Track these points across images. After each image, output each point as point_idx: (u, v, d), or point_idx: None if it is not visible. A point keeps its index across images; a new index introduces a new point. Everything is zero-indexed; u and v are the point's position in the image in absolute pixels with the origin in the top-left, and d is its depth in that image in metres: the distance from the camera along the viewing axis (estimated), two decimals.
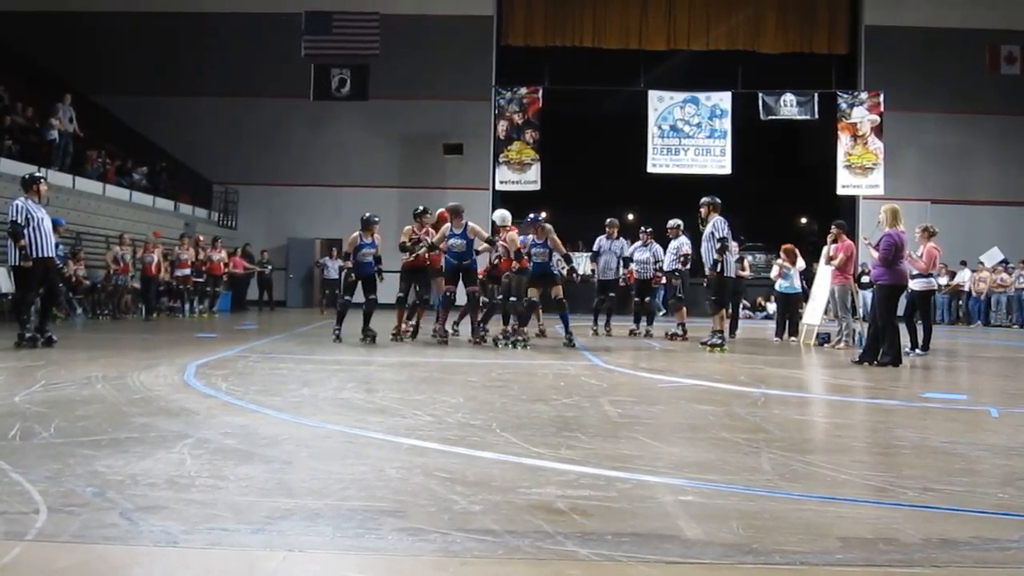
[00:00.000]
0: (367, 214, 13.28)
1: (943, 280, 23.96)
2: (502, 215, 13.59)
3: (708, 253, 12.39)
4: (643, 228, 15.95)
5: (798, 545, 3.03)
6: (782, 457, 4.62)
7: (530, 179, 28.18)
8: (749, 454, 4.71)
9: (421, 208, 13.67)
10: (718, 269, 12.27)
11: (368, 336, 12.63)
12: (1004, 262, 24.76)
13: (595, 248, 15.98)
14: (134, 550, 2.90)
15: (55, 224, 11.91)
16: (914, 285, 12.10)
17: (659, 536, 3.08)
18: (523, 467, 4.20)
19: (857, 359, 10.70)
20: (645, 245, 15.74)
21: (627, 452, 4.66)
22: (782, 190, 34.47)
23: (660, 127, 28.67)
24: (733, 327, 16.09)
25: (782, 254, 15.89)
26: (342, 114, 28.23)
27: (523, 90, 28.41)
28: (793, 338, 15.20)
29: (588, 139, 32.16)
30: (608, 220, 15.73)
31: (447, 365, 9.59)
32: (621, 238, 15.83)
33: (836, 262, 13.70)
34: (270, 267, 25.78)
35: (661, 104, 28.82)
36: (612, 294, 15.81)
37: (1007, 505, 3.73)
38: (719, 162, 28.45)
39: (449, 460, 4.36)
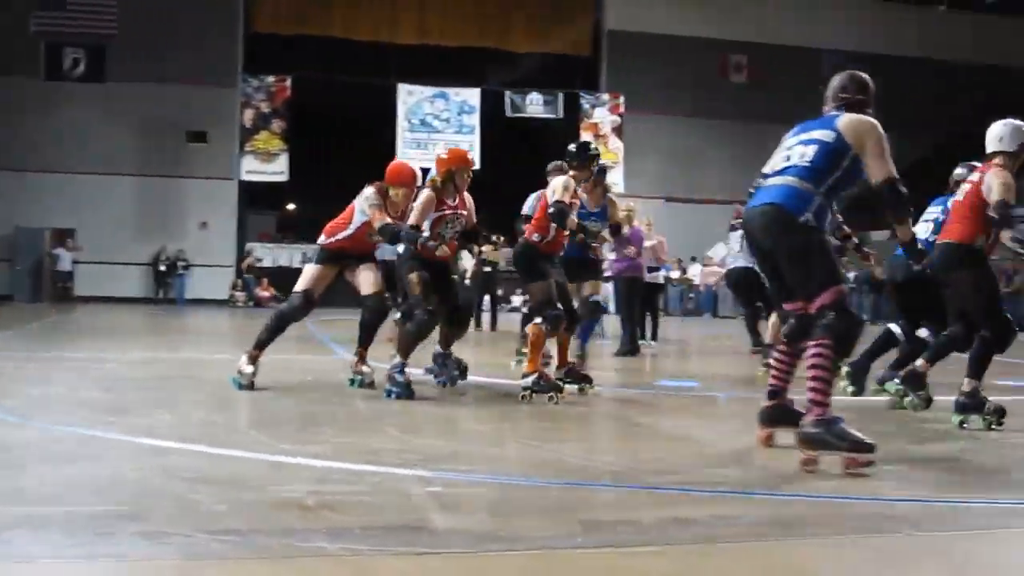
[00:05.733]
0: None
1: (675, 274, 25.38)
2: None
3: None
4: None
5: (542, 530, 3.12)
6: (527, 445, 4.75)
7: (277, 170, 27.60)
8: (497, 444, 4.81)
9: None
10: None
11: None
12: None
13: None
14: None
15: None
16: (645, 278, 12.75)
17: (408, 528, 3.10)
18: (270, 464, 4.12)
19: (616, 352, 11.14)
20: None
21: (377, 445, 4.66)
22: (527, 185, 35.26)
23: (410, 121, 28.78)
24: (493, 320, 16.52)
25: None
26: (77, 97, 26.52)
27: (271, 79, 27.74)
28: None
29: (338, 130, 31.83)
30: None
31: (190, 361, 9.26)
32: None
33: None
34: None
35: (411, 98, 28.92)
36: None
37: (735, 484, 3.98)
38: None
39: (192, 459, 4.21)
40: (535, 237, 6.79)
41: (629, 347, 11.02)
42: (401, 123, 28.60)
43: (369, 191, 6.93)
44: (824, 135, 4.58)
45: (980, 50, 32.09)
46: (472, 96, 29.18)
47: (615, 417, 6.25)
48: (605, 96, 30.27)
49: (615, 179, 29.47)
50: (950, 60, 31.83)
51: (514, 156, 33.22)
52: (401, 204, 7.00)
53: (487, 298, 16.98)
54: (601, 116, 30.00)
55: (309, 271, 7.09)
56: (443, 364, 7.22)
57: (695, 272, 26.97)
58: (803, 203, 4.40)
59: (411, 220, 6.55)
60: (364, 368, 7.08)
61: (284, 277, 27.74)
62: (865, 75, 4.84)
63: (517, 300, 30.40)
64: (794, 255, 4.38)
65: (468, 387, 7.26)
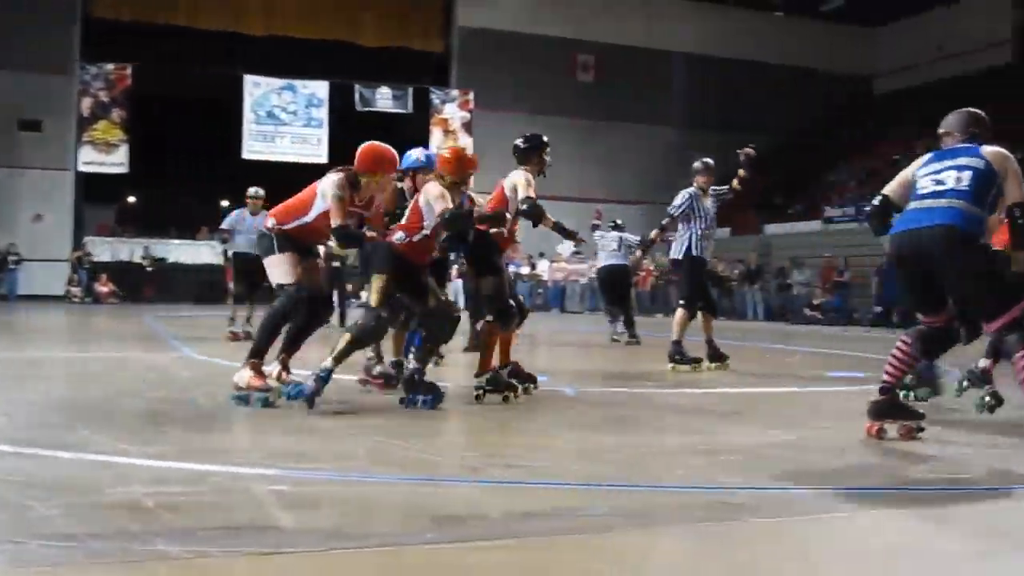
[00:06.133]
0: None
1: (525, 270, 25.67)
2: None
3: None
4: None
5: (392, 527, 3.11)
6: (376, 441, 4.71)
7: (117, 161, 26.64)
8: (344, 440, 4.76)
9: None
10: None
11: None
12: (577, 253, 26.89)
13: None
14: None
15: None
16: None
17: (253, 528, 3.04)
18: (108, 465, 3.97)
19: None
20: None
21: (220, 445, 4.55)
22: None
23: (257, 113, 28.22)
24: (341, 316, 16.27)
25: None
26: None
27: (111, 66, 26.75)
28: None
29: (182, 122, 30.99)
30: None
31: (21, 360, 8.86)
32: None
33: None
34: None
35: (258, 90, 28.36)
36: None
37: (580, 476, 4.05)
38: (315, 151, 28.49)
39: (23, 462, 4.02)
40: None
41: (478, 343, 11.05)
42: (247, 115, 28.02)
43: (336, 177, 6.02)
44: (974, 162, 5.00)
45: (815, 55, 33.55)
46: (321, 89, 28.82)
47: (464, 412, 6.26)
48: (455, 92, 30.34)
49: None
50: (786, 64, 33.16)
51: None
52: (374, 192, 6.24)
53: (335, 294, 16.71)
54: (451, 112, 30.05)
55: (281, 262, 6.06)
56: (399, 372, 6.92)
57: (543, 268, 27.31)
58: (978, 225, 4.87)
59: (437, 212, 6.04)
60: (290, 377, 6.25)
61: (124, 273, 26.86)
62: (980, 111, 5.50)
63: (366, 295, 30.19)
64: (976, 275, 4.82)
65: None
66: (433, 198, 6.09)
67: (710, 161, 9.59)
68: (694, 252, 9.18)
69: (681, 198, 9.32)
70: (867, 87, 36.13)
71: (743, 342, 14.40)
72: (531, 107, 30.67)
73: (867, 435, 5.04)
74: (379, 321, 6.19)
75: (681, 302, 9.42)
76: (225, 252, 12.83)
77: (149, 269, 27.57)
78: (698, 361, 9.17)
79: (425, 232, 6.17)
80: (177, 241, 30.48)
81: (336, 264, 16.42)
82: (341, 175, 6.03)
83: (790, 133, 32.77)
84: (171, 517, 3.13)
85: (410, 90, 29.50)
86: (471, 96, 30.19)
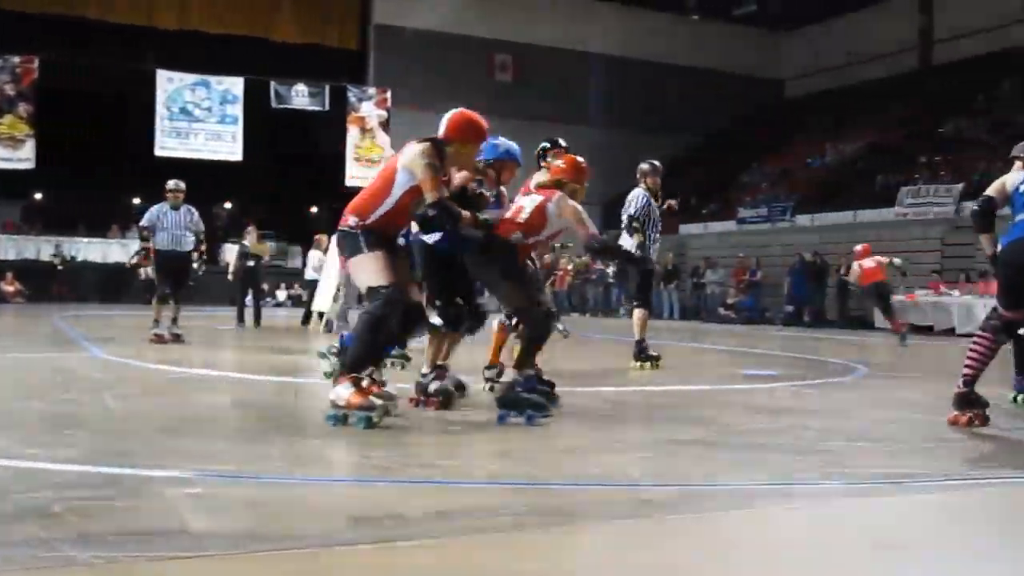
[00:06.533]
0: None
1: None
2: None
3: None
4: None
5: (308, 529, 3.08)
6: (292, 443, 4.67)
7: (24, 156, 25.89)
8: (259, 442, 4.70)
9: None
10: None
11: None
12: None
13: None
14: None
15: None
16: None
17: (166, 532, 2.98)
18: (13, 470, 3.86)
19: None
20: None
21: (131, 447, 4.46)
22: (294, 179, 34.77)
23: (170, 109, 27.70)
24: (256, 316, 16.14)
25: (319, 242, 16.32)
26: None
27: (16, 59, 25.96)
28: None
29: (92, 117, 30.31)
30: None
31: None
32: None
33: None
34: None
35: (171, 85, 27.84)
36: None
37: (497, 475, 4.07)
38: (230, 148, 28.10)
39: None
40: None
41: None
42: (160, 111, 27.48)
43: (422, 145, 5.28)
44: None
45: (728, 58, 34.11)
46: (235, 85, 28.41)
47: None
48: (372, 90, 30.16)
49: None
50: (701, 66, 33.67)
51: (279, 147, 32.71)
52: (454, 167, 5.64)
53: (250, 293, 16.51)
54: (368, 110, 29.87)
55: (371, 262, 5.23)
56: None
57: None
58: None
59: (591, 227, 5.91)
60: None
61: (31, 271, 26.18)
62: None
63: (282, 295, 29.86)
64: None
65: (235, 385, 7.06)
66: (580, 215, 6.02)
67: (657, 163, 9.71)
68: (648, 253, 9.29)
69: (638, 200, 9.31)
70: (779, 90, 36.87)
71: (659, 341, 14.58)
72: (449, 106, 30.38)
73: (952, 424, 5.62)
74: (545, 314, 5.94)
75: (636, 303, 9.64)
76: (146, 251, 11.84)
77: (60, 268, 26.95)
78: (658, 358, 9.38)
79: (539, 239, 6.13)
80: (87, 239, 29.82)
81: (251, 264, 16.25)
82: (428, 143, 5.31)
83: (705, 134, 33.28)
84: (80, 522, 3.06)
85: (327, 88, 29.24)
86: (388, 94, 30.03)
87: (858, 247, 15.53)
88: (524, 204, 6.15)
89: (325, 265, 15.38)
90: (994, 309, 5.87)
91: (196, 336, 10.46)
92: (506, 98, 31.67)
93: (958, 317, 19.74)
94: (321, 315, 14.89)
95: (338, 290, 14.49)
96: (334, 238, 14.35)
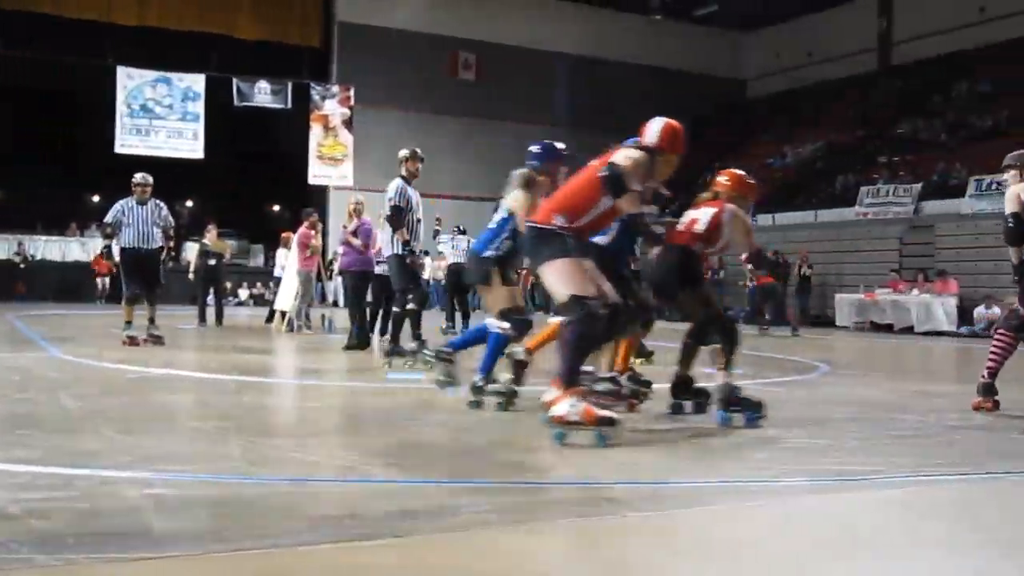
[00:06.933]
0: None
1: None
2: None
3: None
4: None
5: (268, 529, 3.06)
6: (252, 443, 4.64)
7: None
8: (219, 442, 4.67)
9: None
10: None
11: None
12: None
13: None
14: None
15: None
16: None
17: (124, 533, 2.96)
18: None
19: (345, 346, 11.00)
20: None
21: (90, 448, 4.41)
22: (255, 177, 34.56)
23: (130, 106, 27.45)
24: (218, 315, 16.06)
25: (286, 240, 16.31)
26: None
27: None
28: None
29: (50, 114, 29.95)
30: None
31: None
32: None
33: (311, 249, 14.15)
34: None
35: (131, 82, 27.59)
36: None
37: (459, 474, 4.06)
38: (191, 146, 27.91)
39: None
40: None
41: (358, 341, 10.99)
42: (120, 108, 27.21)
43: (637, 154, 5.09)
44: None
45: (690, 59, 34.31)
46: (197, 82, 28.20)
47: (342, 411, 6.22)
48: (335, 88, 30.05)
49: (344, 172, 29.32)
50: (663, 67, 33.83)
51: (241, 145, 32.49)
52: (659, 175, 5.38)
53: (212, 292, 16.40)
54: (331, 108, 29.75)
55: (577, 270, 4.97)
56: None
57: (425, 265, 27.24)
58: None
59: (754, 247, 6.05)
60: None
61: None
62: None
63: (243, 293, 29.67)
64: None
65: (196, 384, 7.01)
66: (750, 229, 6.25)
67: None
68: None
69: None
70: (740, 90, 37.12)
71: None
72: (412, 104, 30.59)
73: (976, 409, 6.47)
74: (728, 319, 6.10)
75: None
76: (109, 248, 11.21)
77: (22, 266, 26.67)
78: (652, 353, 9.99)
79: (713, 250, 6.28)
80: (44, 237, 29.48)
81: (212, 262, 16.13)
82: (642, 152, 5.11)
83: None
84: (38, 524, 3.03)
85: (289, 85, 29.10)
86: (352, 92, 29.93)
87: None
88: (698, 216, 6.15)
89: (287, 264, 15.33)
90: (1015, 310, 6.72)
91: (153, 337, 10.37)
92: (469, 97, 31.70)
93: (917, 315, 20.03)
94: (284, 314, 14.81)
95: (299, 289, 14.43)
96: (294, 236, 14.41)
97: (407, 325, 9.39)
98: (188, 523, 3.12)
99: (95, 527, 3.02)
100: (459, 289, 14.93)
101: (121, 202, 10.88)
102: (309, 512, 3.31)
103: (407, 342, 9.15)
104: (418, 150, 9.58)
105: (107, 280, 27.26)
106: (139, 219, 10.72)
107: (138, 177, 11.03)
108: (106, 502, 3.38)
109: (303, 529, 3.07)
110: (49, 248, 28.90)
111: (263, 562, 2.74)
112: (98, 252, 12.13)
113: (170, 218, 11.25)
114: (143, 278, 10.71)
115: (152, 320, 10.82)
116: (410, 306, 9.29)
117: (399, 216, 9.15)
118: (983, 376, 6.61)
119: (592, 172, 5.15)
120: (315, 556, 2.80)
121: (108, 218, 10.92)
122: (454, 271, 14.58)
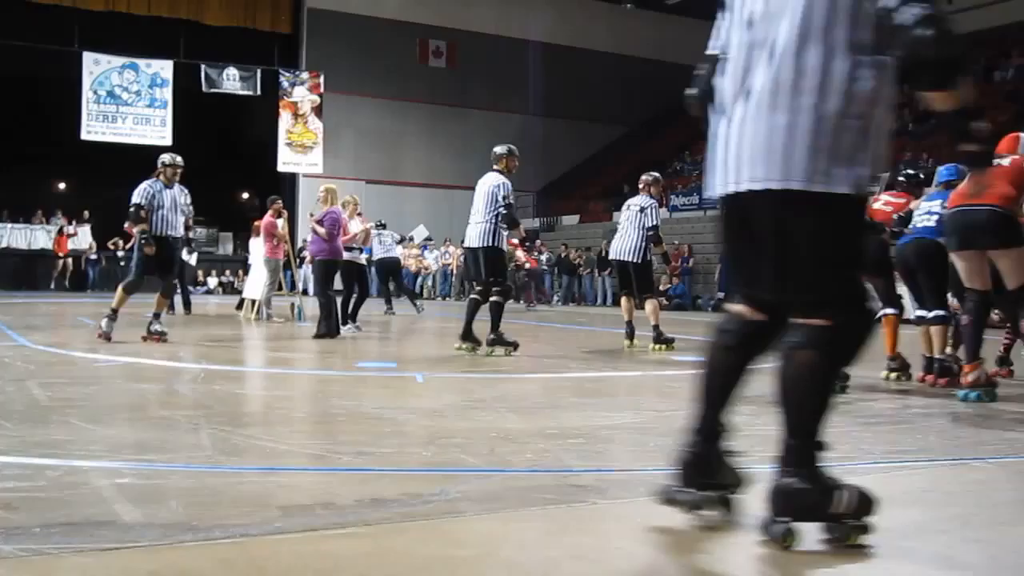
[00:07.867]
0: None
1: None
2: None
3: None
4: None
5: (239, 518, 3.05)
6: (223, 432, 4.62)
7: None
8: (189, 431, 4.65)
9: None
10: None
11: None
12: (428, 239, 26.89)
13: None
14: None
15: None
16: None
17: (94, 523, 2.94)
18: None
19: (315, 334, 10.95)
20: None
21: (58, 437, 4.38)
22: (224, 164, 34.29)
23: (97, 92, 27.18)
24: (187, 303, 15.99)
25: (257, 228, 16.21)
26: None
27: None
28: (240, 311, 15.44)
29: (14, 100, 29.57)
30: None
31: None
32: None
33: (278, 238, 14.10)
34: None
35: (98, 68, 27.31)
36: None
37: (430, 462, 4.06)
38: (159, 132, 27.70)
39: None
40: None
41: (327, 329, 10.96)
42: (87, 94, 26.93)
43: None
44: None
45: (662, 48, 34.36)
46: (165, 68, 27.97)
47: (313, 400, 6.21)
48: (305, 75, 29.88)
49: (314, 159, 29.18)
50: (636, 55, 33.87)
51: (209, 132, 32.24)
52: None
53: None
54: (301, 95, 29.58)
55: None
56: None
57: (396, 254, 27.22)
58: None
59: None
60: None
61: None
62: None
63: (212, 282, 29.49)
64: None
65: (165, 373, 6.96)
66: None
67: (658, 175, 10.85)
68: (648, 253, 10.51)
69: (655, 208, 10.45)
70: None
71: (592, 328, 14.69)
72: (382, 91, 30.49)
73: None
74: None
75: (646, 295, 10.72)
76: (148, 235, 9.82)
77: None
78: (673, 340, 10.33)
79: None
80: (10, 225, 29.16)
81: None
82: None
83: (639, 123, 33.49)
84: (5, 514, 3.01)
85: (258, 72, 28.90)
86: (321, 79, 29.77)
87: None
88: None
89: (254, 252, 15.28)
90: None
91: (125, 323, 10.26)
92: (440, 85, 31.61)
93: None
94: (254, 303, 14.75)
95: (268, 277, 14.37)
96: (261, 223, 14.33)
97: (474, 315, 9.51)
98: (158, 513, 3.11)
99: (63, 517, 3.00)
100: (387, 279, 18.51)
101: (147, 183, 9.99)
102: (280, 501, 3.30)
103: (479, 334, 9.38)
104: (514, 148, 9.82)
105: (69, 260, 26.96)
106: (166, 204, 9.93)
107: (167, 158, 10.24)
108: (74, 492, 3.36)
109: (274, 518, 3.07)
110: (15, 236, 28.60)
111: (234, 551, 2.73)
112: (137, 239, 9.65)
113: (191, 206, 10.87)
114: (159, 265, 9.95)
115: (157, 315, 10.05)
116: (496, 298, 9.36)
117: (514, 215, 9.55)
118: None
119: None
120: (286, 545, 2.80)
121: (139, 199, 9.88)
122: (384, 264, 17.40)
